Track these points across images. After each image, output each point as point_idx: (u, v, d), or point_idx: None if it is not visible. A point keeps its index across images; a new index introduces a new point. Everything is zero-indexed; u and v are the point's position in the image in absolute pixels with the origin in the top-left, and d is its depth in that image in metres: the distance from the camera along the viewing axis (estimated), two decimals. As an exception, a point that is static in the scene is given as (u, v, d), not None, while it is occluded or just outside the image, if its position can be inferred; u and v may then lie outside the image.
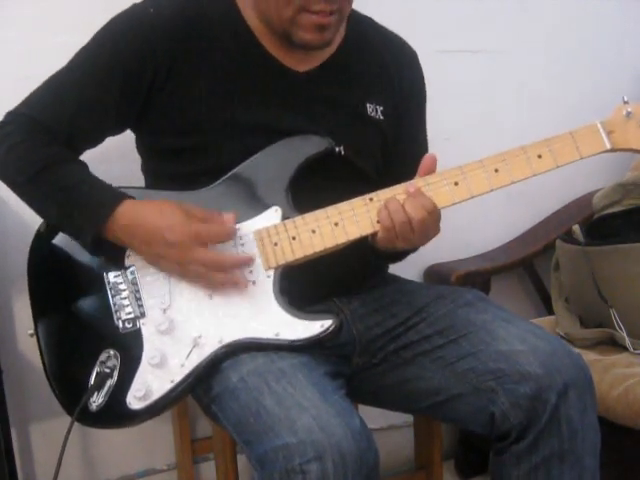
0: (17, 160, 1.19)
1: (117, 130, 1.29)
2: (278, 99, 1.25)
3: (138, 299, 1.18)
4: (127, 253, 1.19)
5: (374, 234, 1.17)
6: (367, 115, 1.31)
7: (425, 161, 1.17)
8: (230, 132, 1.22)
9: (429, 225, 1.15)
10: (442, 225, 1.27)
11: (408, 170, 1.19)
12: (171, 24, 1.21)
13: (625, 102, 1.17)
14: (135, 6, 1.24)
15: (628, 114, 1.16)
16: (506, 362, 1.17)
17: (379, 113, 1.32)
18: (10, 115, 1.23)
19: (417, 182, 1.16)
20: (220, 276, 1.15)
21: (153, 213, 1.15)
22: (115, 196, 1.16)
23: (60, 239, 1.22)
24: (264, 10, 1.20)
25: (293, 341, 1.14)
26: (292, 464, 0.99)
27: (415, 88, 1.39)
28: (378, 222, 1.16)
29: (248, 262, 1.16)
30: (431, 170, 1.17)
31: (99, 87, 1.21)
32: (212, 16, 1.23)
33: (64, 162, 1.19)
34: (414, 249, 1.29)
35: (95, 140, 1.27)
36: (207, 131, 1.22)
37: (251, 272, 1.17)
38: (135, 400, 1.13)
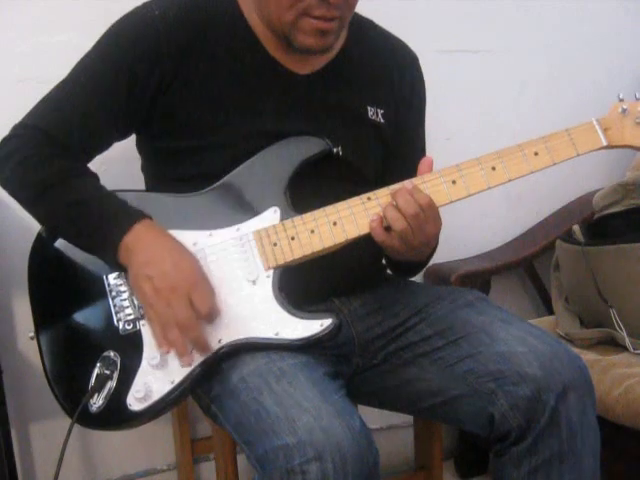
0: (26, 176, 1.18)
1: (123, 134, 1.28)
2: (279, 102, 1.25)
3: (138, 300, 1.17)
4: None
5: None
6: (368, 118, 1.31)
7: (422, 166, 1.17)
8: (231, 135, 1.22)
9: (423, 221, 1.13)
10: (442, 225, 1.27)
11: (406, 172, 1.19)
12: (176, 27, 1.20)
13: (620, 100, 1.18)
14: (139, 8, 1.23)
15: (624, 111, 1.17)
16: (505, 364, 1.17)
17: (380, 116, 1.32)
18: (17, 128, 1.22)
19: (414, 180, 1.16)
20: (175, 334, 1.10)
21: (169, 249, 1.13)
22: (130, 217, 1.15)
23: (61, 241, 1.22)
24: (266, 13, 1.20)
25: (293, 340, 1.14)
26: (292, 464, 0.99)
27: (416, 91, 1.39)
28: None
29: (205, 351, 1.12)
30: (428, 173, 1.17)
31: (106, 92, 1.20)
32: (216, 19, 1.23)
33: (74, 177, 1.18)
34: (422, 260, 1.28)
35: (103, 146, 1.26)
36: (208, 134, 1.22)
37: (250, 272, 1.17)
38: (135, 401, 1.13)
